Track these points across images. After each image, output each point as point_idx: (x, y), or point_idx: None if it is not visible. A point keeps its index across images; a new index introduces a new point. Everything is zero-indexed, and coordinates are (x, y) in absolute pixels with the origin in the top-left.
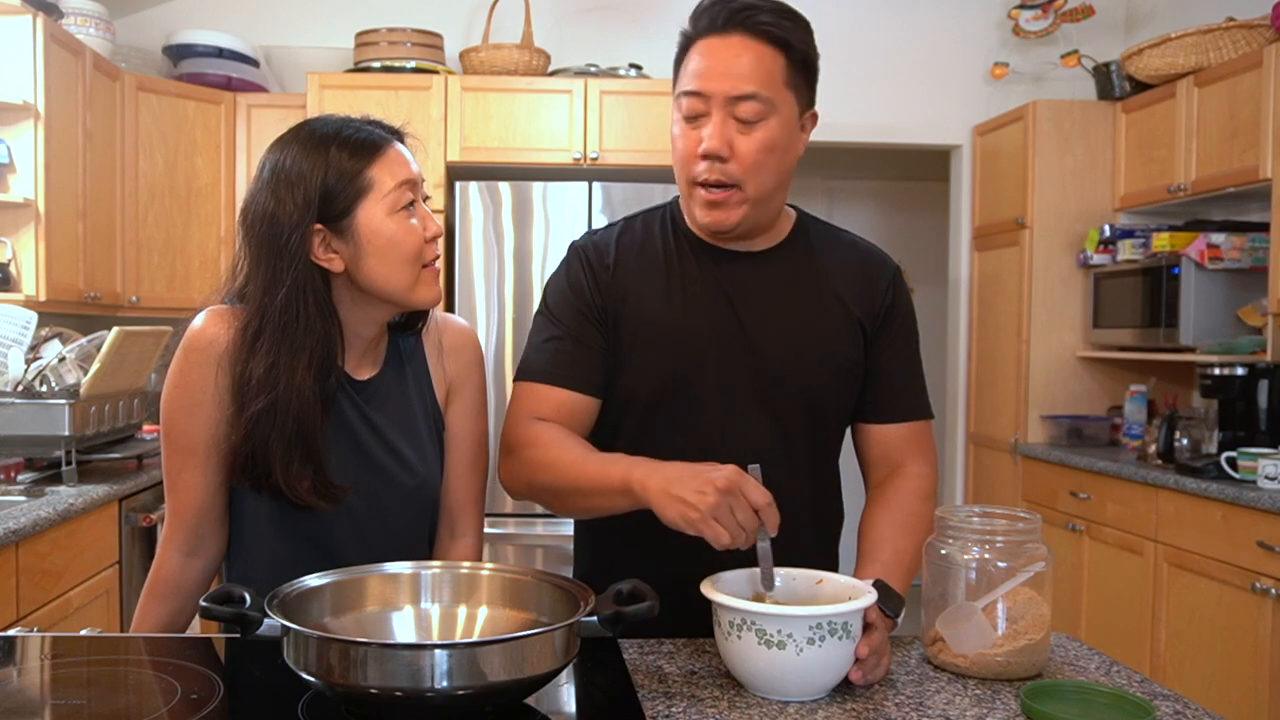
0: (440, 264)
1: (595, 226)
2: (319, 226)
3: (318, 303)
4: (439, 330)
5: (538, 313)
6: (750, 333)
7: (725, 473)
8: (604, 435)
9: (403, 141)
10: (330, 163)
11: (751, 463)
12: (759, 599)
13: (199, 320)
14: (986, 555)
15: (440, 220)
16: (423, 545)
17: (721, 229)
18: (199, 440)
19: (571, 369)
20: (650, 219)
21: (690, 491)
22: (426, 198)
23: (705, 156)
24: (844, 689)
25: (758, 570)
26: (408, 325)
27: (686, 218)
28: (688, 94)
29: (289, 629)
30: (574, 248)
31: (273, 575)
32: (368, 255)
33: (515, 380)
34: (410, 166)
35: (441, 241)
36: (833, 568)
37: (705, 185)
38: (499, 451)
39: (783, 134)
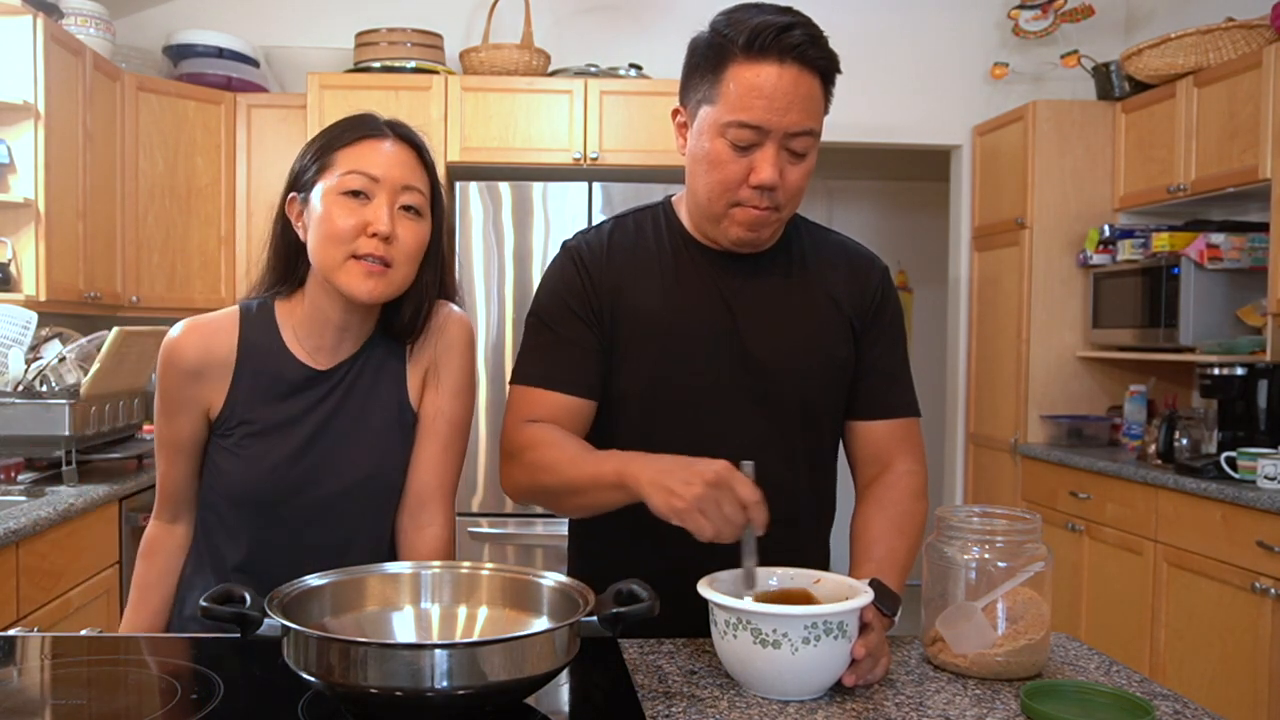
0: (383, 266)
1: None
2: (294, 195)
3: (287, 255)
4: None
5: (530, 315)
6: (744, 332)
7: (715, 467)
8: (600, 435)
9: (408, 143)
10: (315, 143)
11: (746, 460)
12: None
13: (174, 330)
14: (986, 555)
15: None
16: (382, 541)
17: (758, 247)
18: (173, 438)
19: (567, 372)
20: (642, 218)
21: (678, 482)
22: (410, 206)
23: (758, 188)
24: (843, 688)
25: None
26: (399, 332)
27: (707, 230)
28: (744, 125)
29: (289, 629)
30: (567, 247)
31: (235, 557)
32: (312, 229)
33: (511, 384)
34: (380, 162)
35: (395, 246)
36: (825, 564)
37: (745, 206)
38: (500, 457)
39: (816, 156)
